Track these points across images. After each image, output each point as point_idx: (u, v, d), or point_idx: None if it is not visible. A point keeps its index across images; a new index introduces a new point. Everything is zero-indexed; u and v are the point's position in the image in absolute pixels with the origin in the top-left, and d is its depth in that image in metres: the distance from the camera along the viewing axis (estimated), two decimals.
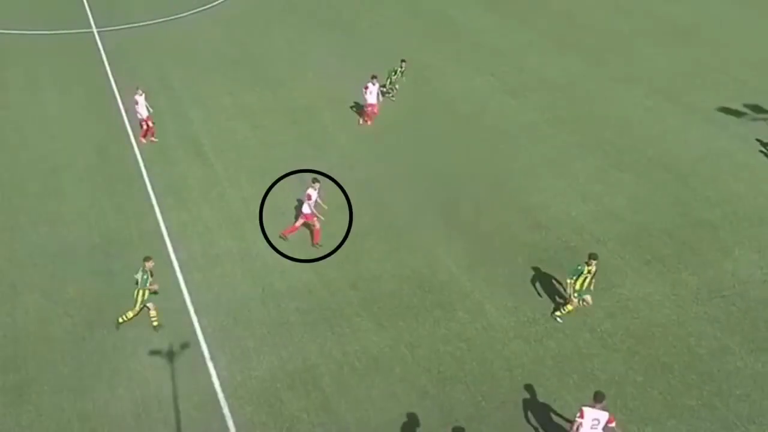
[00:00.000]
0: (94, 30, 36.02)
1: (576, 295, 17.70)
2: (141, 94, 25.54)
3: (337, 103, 29.09)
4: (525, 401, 15.99)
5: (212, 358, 17.00)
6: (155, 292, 17.59)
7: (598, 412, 13.72)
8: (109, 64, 32.21)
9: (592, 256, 17.47)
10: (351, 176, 24.07)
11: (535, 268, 19.97)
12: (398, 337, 17.62)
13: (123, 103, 28.67)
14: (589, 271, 17.47)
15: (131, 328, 17.73)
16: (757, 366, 16.78)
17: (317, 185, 20.71)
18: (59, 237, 21.13)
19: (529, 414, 15.70)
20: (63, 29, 34.70)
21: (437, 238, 21.17)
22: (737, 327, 17.98)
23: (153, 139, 26.12)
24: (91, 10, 38.45)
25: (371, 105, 27.21)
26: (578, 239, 21.26)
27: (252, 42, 35.24)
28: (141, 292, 17.40)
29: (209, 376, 16.54)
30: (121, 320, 17.71)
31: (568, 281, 17.73)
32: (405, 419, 15.56)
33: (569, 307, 17.91)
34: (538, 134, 27.08)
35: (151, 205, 22.54)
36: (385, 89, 28.42)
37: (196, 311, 18.39)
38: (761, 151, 25.63)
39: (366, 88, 26.95)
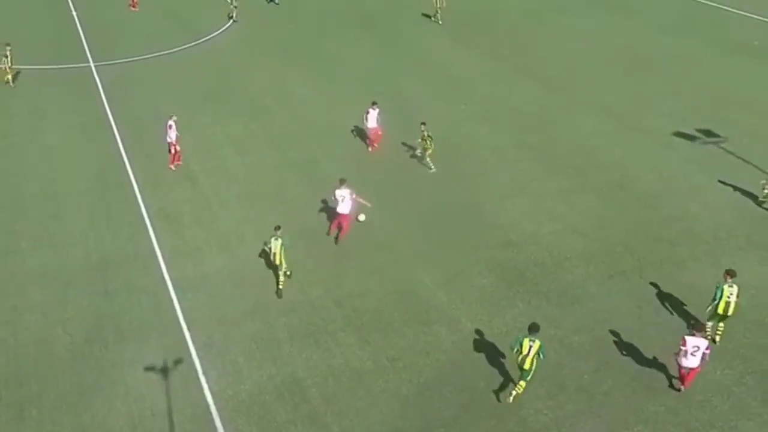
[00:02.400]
0: (92, 64, 35.76)
1: None
2: (173, 121, 25.44)
3: (320, 131, 29.01)
4: (501, 409, 15.88)
5: (204, 373, 16.76)
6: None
7: (698, 340, 15.12)
8: (106, 96, 31.95)
9: None
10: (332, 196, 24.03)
11: (507, 283, 19.97)
12: (380, 350, 17.48)
13: (119, 133, 28.43)
14: None
15: (128, 345, 17.49)
16: (716, 373, 16.79)
17: (344, 185, 21.22)
18: (59, 259, 20.81)
19: (505, 421, 15.58)
20: (63, 64, 34.42)
21: (416, 256, 21.10)
22: None
23: (179, 163, 25.94)
24: (88, 46, 38.19)
25: (373, 129, 26.97)
26: (546, 256, 21.28)
27: (240, 74, 35.12)
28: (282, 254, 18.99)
29: (202, 389, 16.31)
30: (281, 281, 19.32)
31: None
32: (388, 428, 15.39)
33: None
34: (506, 158, 27.15)
35: (146, 228, 22.28)
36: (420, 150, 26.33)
37: (188, 328, 18.17)
38: (721, 181, 25.77)
39: (367, 113, 26.77)
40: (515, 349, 15.56)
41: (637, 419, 15.63)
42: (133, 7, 45.11)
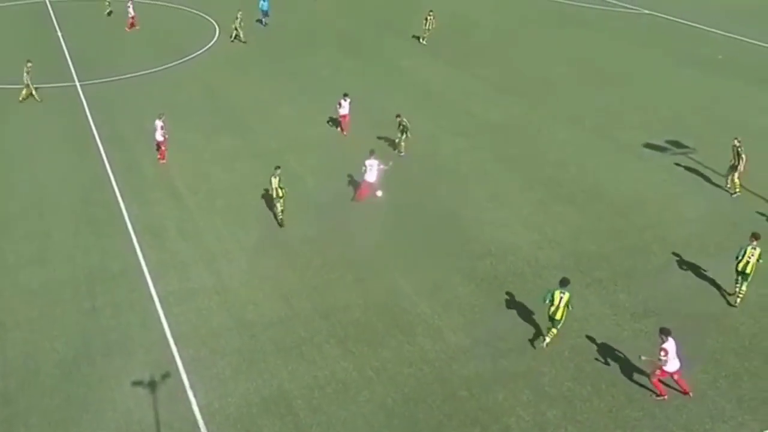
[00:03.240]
0: (77, 83, 35.41)
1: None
2: (160, 120, 26.91)
3: (302, 146, 28.88)
4: (483, 417, 15.75)
5: (191, 387, 16.46)
6: None
7: (673, 342, 15.58)
8: (91, 115, 31.64)
9: None
10: (314, 211, 24.02)
11: (486, 293, 19.89)
12: (365, 361, 17.28)
13: (104, 150, 28.12)
14: None
15: (115, 360, 17.15)
16: (691, 378, 16.79)
17: (373, 156, 24.12)
18: (45, 276, 20.44)
19: (489, 428, 15.44)
20: (48, 83, 34.01)
21: (398, 268, 20.96)
22: None
23: (163, 161, 27.31)
24: (73, 65, 37.84)
25: (343, 116, 29.91)
26: (524, 265, 21.25)
27: (223, 91, 34.96)
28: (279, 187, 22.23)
29: (189, 403, 16.00)
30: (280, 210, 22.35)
31: None
32: None
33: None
34: (484, 170, 27.15)
35: (132, 245, 21.96)
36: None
37: (175, 342, 17.85)
38: (690, 190, 25.96)
39: (339, 104, 29.81)
40: (547, 300, 17.29)
41: (617, 425, 15.56)
42: (131, 27, 44.60)
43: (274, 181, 22.67)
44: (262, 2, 45.43)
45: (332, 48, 41.84)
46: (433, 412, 15.87)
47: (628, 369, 17.08)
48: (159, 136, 26.94)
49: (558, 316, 17.21)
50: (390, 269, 20.91)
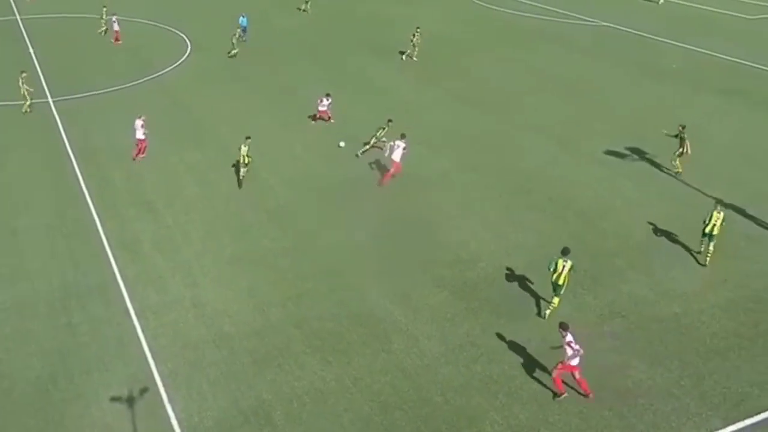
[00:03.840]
0: (50, 100, 34.72)
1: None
2: (140, 120, 27.97)
3: (273, 159, 28.60)
4: (458, 421, 15.69)
5: (170, 401, 16.13)
6: None
7: (570, 336, 15.81)
8: (64, 130, 31.01)
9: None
10: (288, 222, 23.77)
11: (459, 300, 19.84)
12: (342, 370, 17.11)
13: (78, 166, 27.55)
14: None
15: (92, 376, 16.74)
16: (656, 377, 16.94)
17: (404, 139, 26.02)
18: (20, 293, 19.89)
19: None
20: (21, 100, 33.20)
21: (371, 277, 20.83)
22: (636, 343, 18.17)
23: (143, 155, 28.16)
24: (46, 82, 37.10)
25: (322, 111, 31.76)
26: (493, 272, 21.26)
27: (195, 105, 34.54)
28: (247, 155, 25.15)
29: (168, 417, 15.68)
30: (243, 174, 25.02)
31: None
32: None
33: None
34: (452, 180, 27.16)
35: (108, 259, 21.50)
36: (368, 145, 28.71)
37: (153, 356, 17.48)
38: (651, 195, 26.25)
39: (320, 101, 31.56)
40: (551, 268, 18.52)
41: (588, 425, 15.60)
42: (116, 41, 44.47)
43: (243, 149, 25.74)
44: (241, 19, 45.21)
45: (305, 63, 41.61)
46: (410, 418, 15.75)
47: (596, 370, 17.09)
48: (140, 135, 27.80)
49: (560, 282, 18.56)
50: (363, 279, 20.77)
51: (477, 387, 16.66)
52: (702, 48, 45.39)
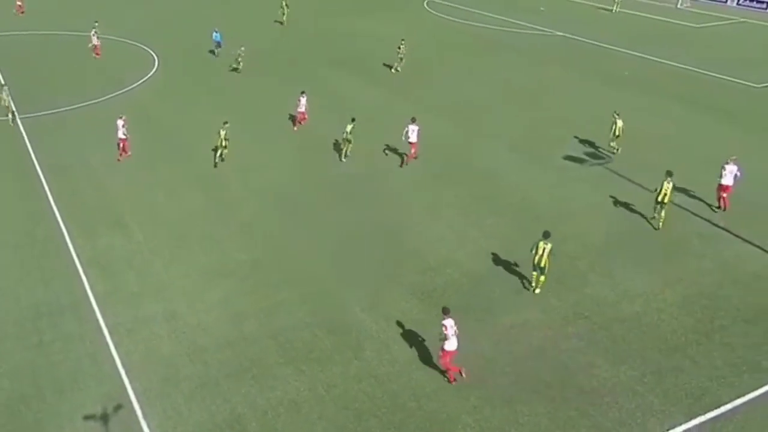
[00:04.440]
0: (17, 117, 33.75)
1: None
2: (121, 119, 28.61)
3: (243, 170, 28.26)
4: (432, 426, 15.56)
5: (145, 417, 15.70)
6: None
7: (451, 320, 16.30)
8: (32, 148, 30.18)
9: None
10: (259, 233, 23.41)
11: (428, 306, 19.70)
12: (315, 379, 16.86)
13: (47, 183, 26.83)
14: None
15: (66, 396, 16.22)
16: (620, 376, 17.03)
17: (415, 122, 28.34)
18: None
19: None
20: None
21: (342, 285, 20.62)
22: (600, 343, 18.26)
23: (127, 155, 28.95)
24: (13, 99, 36.05)
25: (301, 113, 32.28)
26: (461, 277, 21.23)
27: (165, 120, 33.95)
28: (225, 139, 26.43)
29: None
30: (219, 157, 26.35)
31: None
32: None
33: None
34: (418, 187, 27.09)
35: (79, 276, 20.91)
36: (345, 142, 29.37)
37: (127, 373, 17.00)
38: (609, 198, 26.55)
39: (299, 101, 32.16)
40: (533, 251, 19.66)
41: (556, 425, 15.60)
42: (97, 54, 44.21)
43: (222, 133, 27.78)
44: (215, 33, 44.67)
45: (274, 77, 41.18)
46: (384, 425, 15.57)
47: (563, 371, 17.21)
48: (121, 134, 28.49)
49: (542, 264, 19.61)
50: (335, 287, 20.55)
51: (449, 391, 16.56)
52: (652, 56, 46.19)
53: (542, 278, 20.07)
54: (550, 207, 25.53)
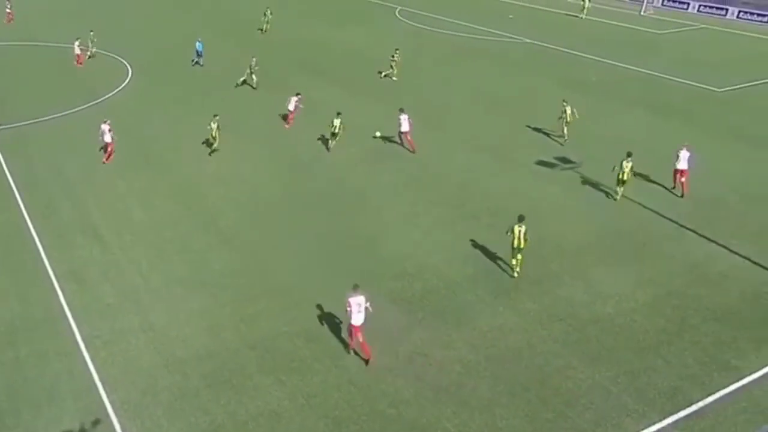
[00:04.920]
0: None
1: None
2: (106, 124, 28.74)
3: (220, 180, 27.90)
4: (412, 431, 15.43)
5: (123, 430, 15.35)
6: None
7: (360, 297, 16.81)
8: (4, 160, 29.48)
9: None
10: (237, 243, 23.08)
11: (406, 312, 19.61)
12: (295, 389, 16.62)
13: (20, 196, 26.19)
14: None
15: (42, 412, 15.77)
16: (595, 377, 17.05)
17: (403, 113, 30.03)
18: None
19: None
20: None
21: (321, 294, 20.33)
22: (575, 345, 18.28)
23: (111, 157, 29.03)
24: None
25: (291, 112, 33.11)
26: (437, 281, 21.14)
27: (140, 130, 33.38)
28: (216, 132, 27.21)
29: None
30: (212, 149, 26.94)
31: None
32: None
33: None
34: (394, 194, 26.98)
35: (54, 290, 20.41)
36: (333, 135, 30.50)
37: (104, 387, 16.61)
38: (579, 201, 26.64)
39: (289, 101, 32.98)
40: (509, 233, 20.80)
41: (534, 427, 15.56)
42: (79, 63, 43.78)
43: (213, 126, 28.76)
44: (197, 44, 44.15)
45: (252, 86, 40.81)
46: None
47: (539, 373, 17.18)
48: (108, 138, 28.58)
49: (517, 245, 20.66)
50: (313, 296, 20.29)
51: (428, 397, 16.43)
52: (618, 62, 46.68)
53: (519, 257, 20.94)
54: (524, 210, 25.16)
